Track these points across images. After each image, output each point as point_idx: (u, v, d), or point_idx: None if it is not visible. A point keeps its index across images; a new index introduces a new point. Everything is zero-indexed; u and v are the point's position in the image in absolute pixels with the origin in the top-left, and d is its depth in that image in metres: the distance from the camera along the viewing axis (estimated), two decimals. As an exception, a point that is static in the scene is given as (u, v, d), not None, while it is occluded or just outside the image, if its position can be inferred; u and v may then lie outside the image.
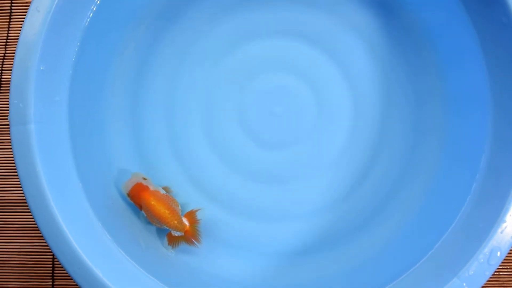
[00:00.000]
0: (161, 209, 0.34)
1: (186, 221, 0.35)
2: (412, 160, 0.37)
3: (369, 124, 0.38)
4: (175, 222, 0.34)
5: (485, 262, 0.30)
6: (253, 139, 0.38)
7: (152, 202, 0.34)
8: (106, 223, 0.33)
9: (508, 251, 0.30)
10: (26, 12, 0.32)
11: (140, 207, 0.34)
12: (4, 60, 0.42)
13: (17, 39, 0.31)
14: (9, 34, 0.42)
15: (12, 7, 0.42)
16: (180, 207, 0.35)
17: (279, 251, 0.36)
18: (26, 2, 0.42)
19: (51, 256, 0.40)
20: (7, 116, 0.31)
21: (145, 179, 0.35)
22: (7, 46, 0.42)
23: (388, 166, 0.37)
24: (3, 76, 0.42)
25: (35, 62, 0.31)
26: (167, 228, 0.34)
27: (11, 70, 0.32)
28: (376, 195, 0.37)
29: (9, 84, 0.40)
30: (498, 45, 0.33)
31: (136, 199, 0.34)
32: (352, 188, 0.37)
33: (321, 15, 0.39)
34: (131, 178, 0.35)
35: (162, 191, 0.35)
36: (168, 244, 0.35)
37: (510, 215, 0.30)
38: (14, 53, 0.32)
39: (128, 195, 0.35)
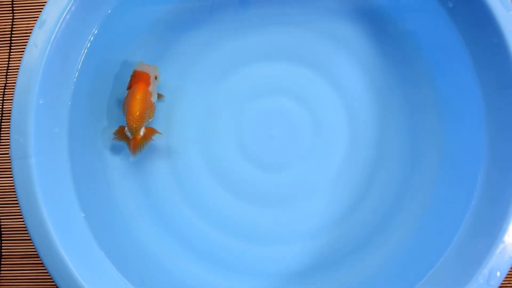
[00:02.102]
0: (136, 107, 0.35)
1: (142, 132, 0.36)
2: (410, 178, 0.37)
3: (366, 143, 0.38)
4: (134, 125, 0.35)
5: (484, 283, 0.30)
6: (251, 162, 0.38)
7: (137, 96, 0.35)
8: (110, 253, 0.34)
9: (507, 271, 0.30)
10: (26, 42, 0.33)
11: (129, 88, 0.36)
12: (5, 90, 0.43)
13: (18, 69, 0.32)
14: (10, 64, 0.43)
15: (12, 38, 0.43)
16: (150, 120, 0.37)
17: (278, 273, 0.36)
18: (26, 33, 0.43)
19: (55, 285, 0.41)
20: (8, 145, 0.31)
21: (155, 78, 0.37)
22: (7, 76, 0.43)
23: (386, 186, 0.37)
24: (4, 106, 0.42)
25: (34, 97, 0.31)
26: (126, 122, 0.35)
27: (12, 99, 0.33)
28: (375, 214, 0.37)
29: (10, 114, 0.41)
30: (490, 63, 0.34)
31: (133, 81, 0.36)
32: (350, 208, 0.37)
33: (315, 37, 0.40)
34: (149, 66, 0.37)
35: (154, 98, 0.37)
36: (114, 134, 0.36)
37: (509, 235, 0.30)
38: (15, 83, 0.32)
39: (134, 71, 0.36)
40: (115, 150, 0.38)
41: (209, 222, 0.37)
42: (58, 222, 0.31)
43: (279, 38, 0.40)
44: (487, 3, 0.32)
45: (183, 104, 0.39)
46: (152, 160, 0.38)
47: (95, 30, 0.35)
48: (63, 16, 0.32)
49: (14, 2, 0.43)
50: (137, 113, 0.35)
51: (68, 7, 0.32)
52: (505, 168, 0.33)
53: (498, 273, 0.30)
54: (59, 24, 0.32)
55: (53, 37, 0.32)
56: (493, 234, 0.31)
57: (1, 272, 0.41)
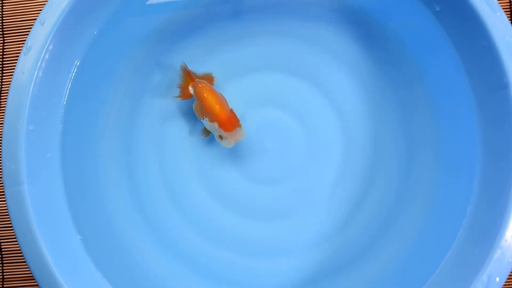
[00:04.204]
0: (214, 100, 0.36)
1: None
2: (407, 184, 0.37)
3: (361, 150, 0.38)
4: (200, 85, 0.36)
5: (484, 290, 0.29)
6: (246, 176, 0.38)
7: (215, 102, 0.35)
8: (108, 274, 0.34)
9: (507, 276, 0.30)
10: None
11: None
12: (-1, 115, 0.43)
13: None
14: (2, 89, 0.43)
15: (4, 62, 0.43)
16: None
17: (277, 286, 0.36)
18: (18, 57, 0.43)
19: (56, 306, 0.41)
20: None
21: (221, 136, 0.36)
22: (0, 101, 0.43)
23: (383, 193, 0.37)
24: (-1, 130, 0.43)
25: (24, 123, 0.31)
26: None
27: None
28: (373, 223, 0.37)
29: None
30: (480, 65, 0.33)
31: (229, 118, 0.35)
32: (348, 218, 0.37)
33: (309, 48, 0.39)
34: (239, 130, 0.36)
35: (204, 121, 0.36)
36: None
37: (506, 240, 0.30)
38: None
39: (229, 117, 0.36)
40: (109, 170, 0.38)
41: (206, 237, 0.38)
42: (54, 247, 0.31)
43: (273, 49, 0.40)
44: (473, 5, 0.31)
45: (176, 116, 0.39)
46: (146, 176, 0.38)
47: (82, 52, 0.35)
48: (49, 41, 0.32)
49: (4, 26, 0.43)
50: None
51: (53, 33, 0.32)
52: (500, 169, 0.32)
53: (497, 279, 0.30)
54: (45, 49, 0.32)
55: (39, 63, 0.32)
56: (491, 239, 0.30)
57: (4, 295, 0.41)
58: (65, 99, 0.35)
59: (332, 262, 0.36)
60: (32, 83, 0.32)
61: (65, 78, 0.35)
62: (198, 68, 0.40)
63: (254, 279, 0.36)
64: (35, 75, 0.32)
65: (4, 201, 0.42)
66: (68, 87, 0.35)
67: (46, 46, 0.32)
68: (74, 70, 0.35)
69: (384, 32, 0.38)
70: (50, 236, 0.31)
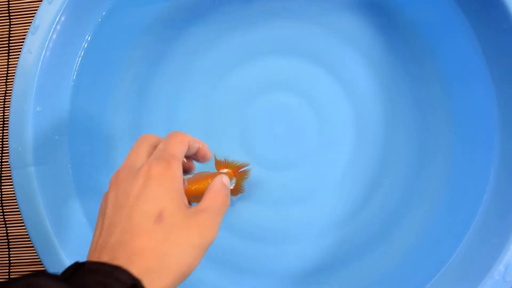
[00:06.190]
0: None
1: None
2: (418, 176, 0.36)
3: (373, 141, 0.37)
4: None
5: (500, 279, 0.29)
6: (256, 161, 0.37)
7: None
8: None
9: (524, 266, 0.29)
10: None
11: None
12: (6, 98, 0.42)
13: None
14: (9, 71, 0.42)
15: (10, 44, 0.43)
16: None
17: (287, 273, 0.36)
18: (24, 38, 0.43)
19: (63, 291, 0.40)
20: (11, 153, 0.31)
21: None
22: (7, 83, 0.42)
23: (394, 183, 0.36)
24: (6, 114, 0.42)
25: (31, 104, 0.31)
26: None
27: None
28: (383, 213, 0.36)
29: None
30: (500, 51, 0.32)
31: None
32: (357, 207, 0.36)
33: (321, 32, 0.38)
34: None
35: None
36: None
37: (524, 229, 0.29)
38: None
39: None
40: (117, 153, 0.37)
41: (215, 223, 0.37)
42: (61, 229, 0.31)
43: (284, 33, 0.39)
44: (495, -13, 0.30)
45: (185, 102, 0.39)
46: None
47: (90, 33, 0.35)
48: (56, 21, 0.31)
49: (10, 7, 0.43)
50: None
51: (61, 12, 0.31)
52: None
53: (515, 268, 0.29)
54: (52, 28, 0.31)
55: (47, 42, 0.31)
56: (508, 228, 0.29)
57: (10, 280, 0.41)
58: (73, 80, 0.34)
59: (342, 249, 0.35)
60: (40, 63, 0.31)
61: (73, 59, 0.34)
62: (206, 55, 0.39)
63: (262, 265, 0.36)
64: (42, 54, 0.31)
65: (11, 185, 0.42)
66: (76, 67, 0.34)
67: (54, 26, 0.31)
68: (82, 51, 0.34)
69: (401, 17, 0.37)
70: (57, 219, 0.31)
